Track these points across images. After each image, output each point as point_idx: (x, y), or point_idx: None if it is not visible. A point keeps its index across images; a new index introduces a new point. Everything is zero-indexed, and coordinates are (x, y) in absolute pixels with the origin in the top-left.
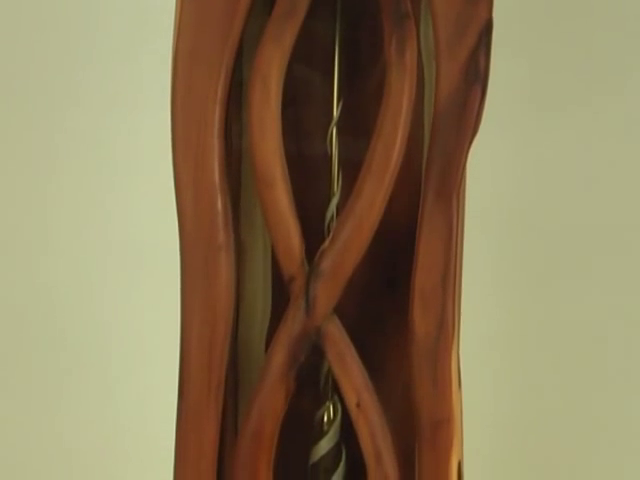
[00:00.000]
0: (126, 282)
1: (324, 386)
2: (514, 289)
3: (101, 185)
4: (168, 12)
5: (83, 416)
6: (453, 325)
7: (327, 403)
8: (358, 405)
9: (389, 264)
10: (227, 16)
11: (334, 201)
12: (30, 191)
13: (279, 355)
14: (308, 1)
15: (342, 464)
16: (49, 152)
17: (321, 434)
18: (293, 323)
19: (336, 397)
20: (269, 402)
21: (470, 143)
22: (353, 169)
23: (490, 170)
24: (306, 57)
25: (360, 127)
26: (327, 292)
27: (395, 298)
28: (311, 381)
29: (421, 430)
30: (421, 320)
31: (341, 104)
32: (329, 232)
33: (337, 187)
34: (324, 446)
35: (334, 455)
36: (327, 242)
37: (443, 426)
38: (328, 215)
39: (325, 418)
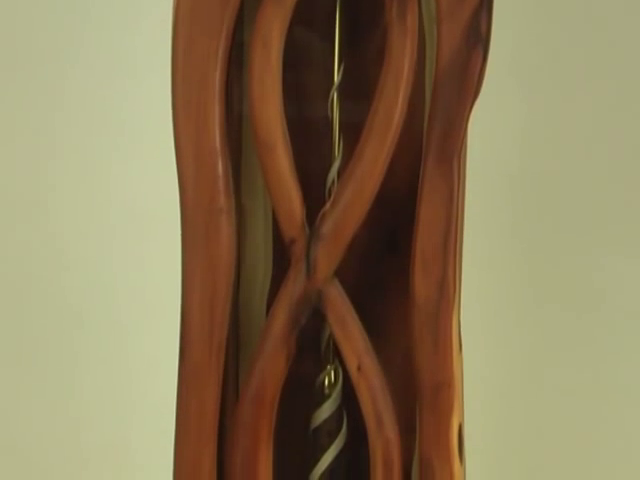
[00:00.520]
0: (128, 244)
1: (325, 350)
2: (516, 252)
3: (103, 147)
4: None
5: (92, 372)
6: (454, 289)
7: (328, 367)
8: (359, 369)
9: (390, 228)
10: None
11: (335, 165)
12: (32, 155)
13: (280, 318)
14: None
15: (343, 429)
16: (51, 116)
17: (322, 399)
18: (294, 286)
19: (337, 362)
20: (270, 365)
21: (472, 106)
22: (354, 133)
23: (492, 133)
24: (307, 20)
25: (361, 90)
26: (328, 255)
27: (396, 262)
28: (312, 346)
29: (422, 393)
30: (422, 284)
31: (342, 68)
32: (330, 196)
33: (338, 151)
34: (325, 411)
35: (335, 420)
36: (328, 205)
37: (444, 389)
38: (329, 179)
39: (326, 382)
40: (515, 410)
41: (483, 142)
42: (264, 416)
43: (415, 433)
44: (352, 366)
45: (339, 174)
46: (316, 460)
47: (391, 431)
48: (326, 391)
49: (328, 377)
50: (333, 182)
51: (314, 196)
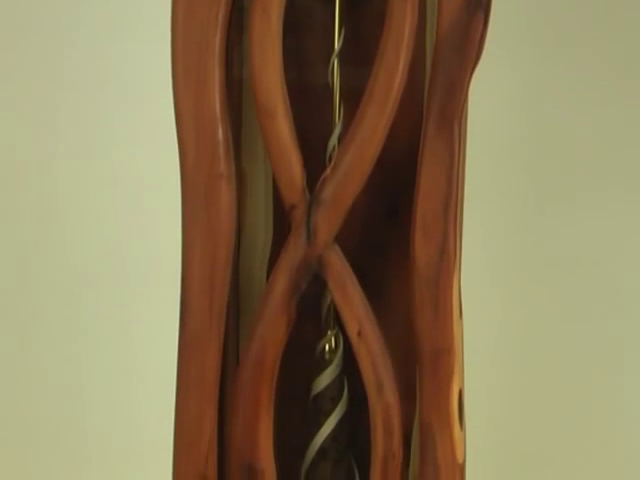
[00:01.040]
0: (129, 211)
1: (326, 316)
2: (517, 216)
3: (103, 113)
4: None
5: (93, 341)
6: (455, 254)
7: (329, 333)
8: (359, 334)
9: (391, 193)
10: None
11: (336, 132)
12: (33, 122)
13: (280, 283)
14: None
15: (344, 394)
16: (51, 81)
17: (323, 365)
18: (294, 251)
19: (338, 328)
20: (270, 331)
21: (472, 70)
22: (355, 100)
23: (492, 97)
24: None
25: (362, 56)
26: (328, 220)
27: (397, 227)
28: (313, 312)
29: (422, 359)
30: (422, 249)
31: (343, 33)
32: (331, 162)
33: (339, 117)
34: (326, 378)
35: (337, 386)
36: (328, 170)
37: (444, 355)
38: (330, 145)
39: (327, 348)
40: (515, 376)
41: (484, 106)
42: (264, 381)
43: (415, 399)
44: (352, 331)
45: (340, 140)
46: (319, 426)
47: (391, 396)
48: (327, 357)
49: (329, 343)
50: (334, 148)
51: (315, 162)
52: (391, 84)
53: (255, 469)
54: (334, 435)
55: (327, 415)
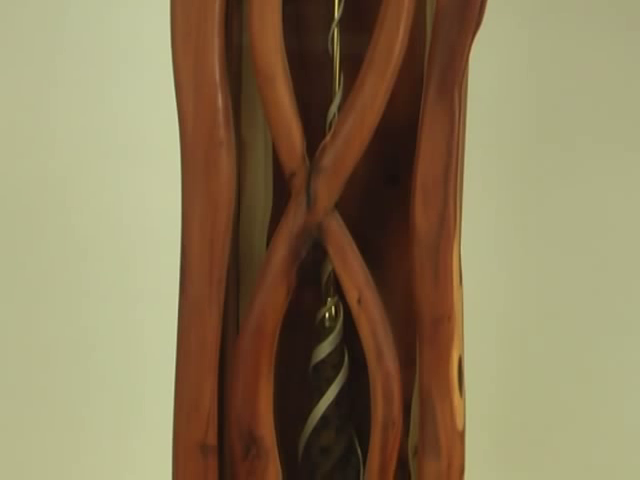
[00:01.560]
0: (129, 178)
1: (326, 284)
2: (517, 183)
3: (103, 80)
4: None
5: (94, 306)
6: (455, 221)
7: (329, 301)
8: (359, 302)
9: (391, 161)
10: None
11: (336, 100)
12: (34, 86)
13: (280, 251)
14: None
15: (345, 362)
16: (52, 47)
17: (324, 334)
18: (294, 219)
19: (338, 296)
20: (270, 298)
21: (473, 36)
22: (356, 68)
23: (493, 63)
24: None
25: (362, 23)
26: (328, 188)
27: (397, 195)
28: (313, 280)
29: (422, 326)
30: (422, 216)
31: (343, 0)
32: (330, 130)
33: (339, 85)
34: (328, 346)
35: (338, 354)
36: (328, 137)
37: (444, 322)
38: (330, 113)
39: (327, 316)
40: (515, 342)
41: (484, 72)
42: (264, 348)
43: (415, 366)
44: (352, 299)
45: (340, 108)
46: (321, 393)
47: (391, 363)
48: (327, 325)
49: (329, 311)
50: (334, 116)
51: (315, 131)
52: (391, 50)
53: (255, 436)
54: (336, 402)
55: (330, 382)
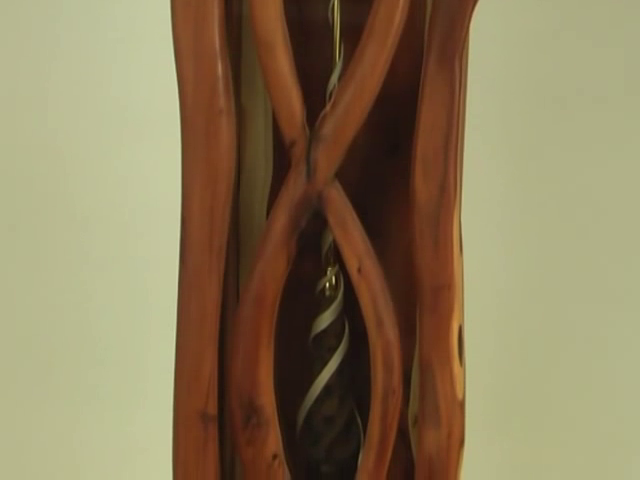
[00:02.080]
0: (129, 148)
1: (326, 254)
2: (518, 153)
3: (102, 49)
4: None
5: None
6: (455, 190)
7: (329, 270)
8: (359, 271)
9: (391, 130)
10: None
11: (336, 70)
12: (33, 56)
13: (280, 220)
14: None
15: (346, 332)
16: (51, 17)
17: (324, 304)
18: (294, 188)
19: (338, 265)
20: (270, 267)
21: (473, 6)
22: (356, 37)
23: (494, 32)
24: None
25: None
26: (328, 157)
27: (397, 164)
28: (314, 251)
29: (422, 295)
30: (423, 185)
31: None
32: (331, 100)
33: (339, 55)
34: (329, 315)
35: (339, 323)
36: (328, 107)
37: (444, 291)
38: (330, 83)
39: (327, 286)
40: (515, 311)
41: (485, 41)
42: (265, 317)
43: (415, 335)
44: (352, 268)
45: (340, 78)
46: (324, 363)
47: (391, 332)
48: (327, 294)
49: (329, 281)
50: (334, 86)
51: (315, 101)
52: (391, 19)
53: (255, 405)
54: (338, 371)
55: (332, 351)
